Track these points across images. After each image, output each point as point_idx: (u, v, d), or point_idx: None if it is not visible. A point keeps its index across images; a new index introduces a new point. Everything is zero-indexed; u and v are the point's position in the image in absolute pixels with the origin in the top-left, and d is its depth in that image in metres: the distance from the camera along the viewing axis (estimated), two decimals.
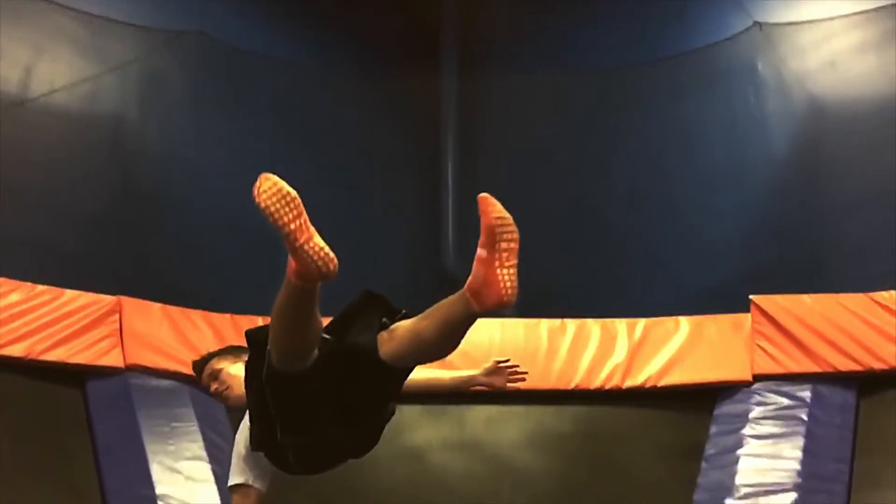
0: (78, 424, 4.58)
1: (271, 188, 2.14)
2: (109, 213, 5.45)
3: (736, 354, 4.94)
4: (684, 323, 5.08)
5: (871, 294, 4.79)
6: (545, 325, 5.15)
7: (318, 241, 2.18)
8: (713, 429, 4.76)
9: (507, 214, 2.29)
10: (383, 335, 2.33)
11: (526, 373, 3.24)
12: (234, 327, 5.06)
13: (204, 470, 4.51)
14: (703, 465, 4.62)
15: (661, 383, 4.95)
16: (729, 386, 4.88)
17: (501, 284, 2.24)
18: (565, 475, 4.78)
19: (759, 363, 4.87)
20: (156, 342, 4.87)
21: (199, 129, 5.77)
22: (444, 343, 2.33)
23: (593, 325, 5.13)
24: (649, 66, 6.02)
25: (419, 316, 2.33)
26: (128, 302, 4.90)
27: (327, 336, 2.38)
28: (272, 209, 2.12)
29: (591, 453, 4.85)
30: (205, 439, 4.64)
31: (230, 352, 3.17)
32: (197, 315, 5.05)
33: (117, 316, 4.84)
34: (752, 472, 4.45)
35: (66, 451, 4.47)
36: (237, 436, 3.03)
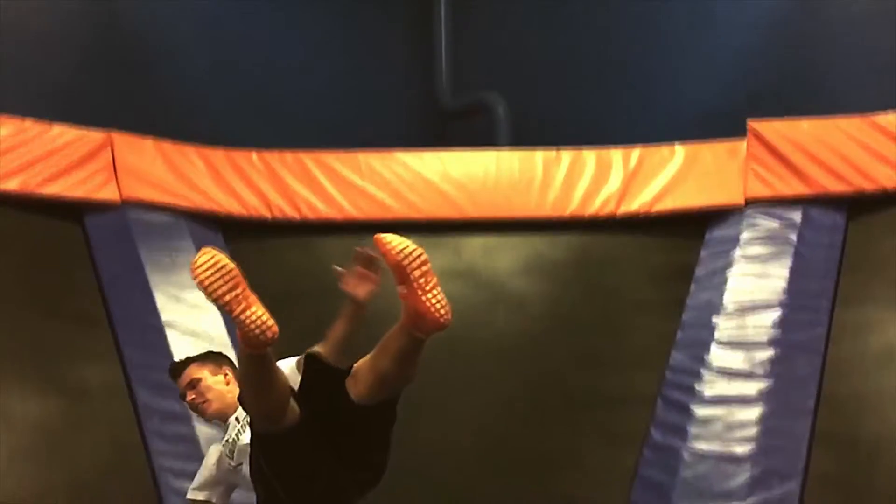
0: (80, 258, 4.75)
1: (207, 262, 2.23)
2: (97, 47, 5.44)
3: (730, 180, 5.08)
4: (679, 150, 5.19)
5: (868, 116, 4.88)
6: (540, 155, 5.26)
7: (256, 310, 2.26)
8: (704, 252, 4.96)
9: (406, 243, 2.32)
10: (349, 381, 2.44)
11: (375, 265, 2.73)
12: (228, 162, 5.16)
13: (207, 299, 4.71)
14: (693, 286, 4.85)
15: (655, 209, 5.12)
16: (721, 211, 5.06)
17: (433, 311, 2.29)
18: (559, 300, 5.02)
19: (751, 187, 5.02)
20: (150, 177, 4.97)
21: None
22: (404, 370, 2.43)
23: (588, 155, 5.24)
24: None
25: (372, 354, 2.44)
26: (119, 137, 4.96)
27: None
28: (206, 283, 2.22)
29: (584, 279, 5.07)
30: None
31: (211, 359, 3.15)
32: (190, 150, 5.13)
33: (109, 151, 4.91)
34: (739, 292, 4.69)
35: (71, 284, 4.66)
36: (210, 448, 3.17)
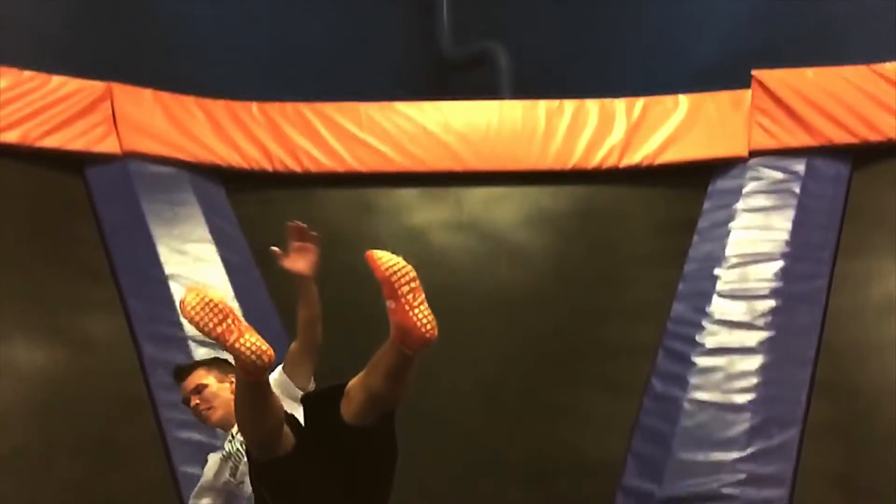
0: (82, 211, 4.77)
1: (193, 300, 2.34)
2: None
3: (734, 131, 5.07)
4: (683, 101, 5.18)
5: (874, 66, 4.85)
6: (543, 106, 5.25)
7: (249, 336, 2.35)
8: (707, 204, 4.98)
9: (395, 260, 2.41)
10: (343, 402, 2.51)
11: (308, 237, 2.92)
12: (228, 114, 5.16)
13: (211, 252, 4.75)
14: (695, 238, 4.88)
15: (658, 161, 5.13)
16: (725, 162, 5.06)
17: (419, 326, 2.38)
18: (561, 253, 5.05)
19: (756, 139, 5.02)
20: (150, 128, 4.98)
21: None
22: (395, 387, 2.49)
23: (591, 105, 5.22)
24: None
25: (363, 373, 2.50)
26: (118, 88, 4.96)
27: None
28: (197, 319, 2.33)
29: (586, 231, 5.10)
30: (208, 223, 4.85)
31: (217, 365, 3.14)
32: (190, 101, 5.12)
33: (108, 103, 4.91)
34: (742, 243, 4.72)
35: (74, 236, 4.69)
36: (210, 457, 3.17)
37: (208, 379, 3.11)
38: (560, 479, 4.13)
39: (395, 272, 2.39)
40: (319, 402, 2.60)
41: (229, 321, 2.35)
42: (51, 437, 3.95)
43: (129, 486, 3.90)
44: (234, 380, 3.04)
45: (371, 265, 2.42)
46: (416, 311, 2.38)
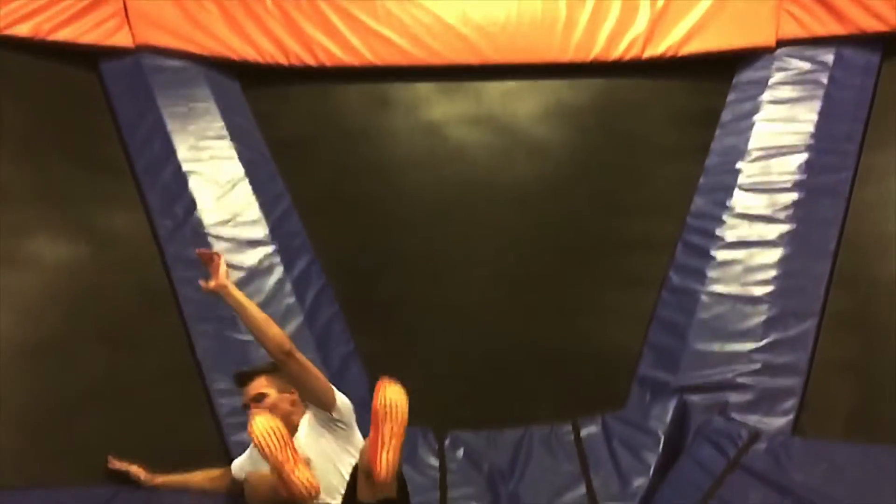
0: (98, 106, 4.80)
1: (263, 426, 2.81)
2: None
3: (761, 20, 4.98)
4: None
5: None
6: None
7: (304, 470, 2.81)
8: (731, 96, 4.93)
9: (397, 400, 2.63)
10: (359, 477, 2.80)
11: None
12: (242, 7, 5.11)
13: (227, 148, 4.79)
14: (718, 131, 4.85)
15: (682, 52, 5.06)
16: (751, 53, 4.99)
17: (378, 466, 2.61)
18: (580, 146, 5.04)
19: (784, 28, 4.93)
20: (163, 21, 4.96)
21: None
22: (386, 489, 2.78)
23: None
24: None
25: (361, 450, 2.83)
26: None
27: None
28: (264, 443, 2.77)
29: (606, 124, 5.07)
30: (224, 118, 4.87)
31: (278, 375, 3.19)
32: None
33: None
34: (765, 136, 4.69)
35: (91, 131, 4.74)
36: (248, 456, 3.37)
37: (269, 389, 3.23)
38: (576, 368, 4.23)
39: (387, 411, 2.63)
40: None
41: (289, 450, 2.81)
42: (77, 327, 4.08)
43: (153, 374, 4.04)
44: (294, 391, 3.22)
45: (376, 389, 2.68)
46: (384, 452, 2.61)
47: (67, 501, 3.40)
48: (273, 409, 3.15)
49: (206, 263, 3.21)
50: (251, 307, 3.10)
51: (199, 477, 3.49)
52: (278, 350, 3.03)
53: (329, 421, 3.10)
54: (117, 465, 3.51)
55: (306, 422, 3.18)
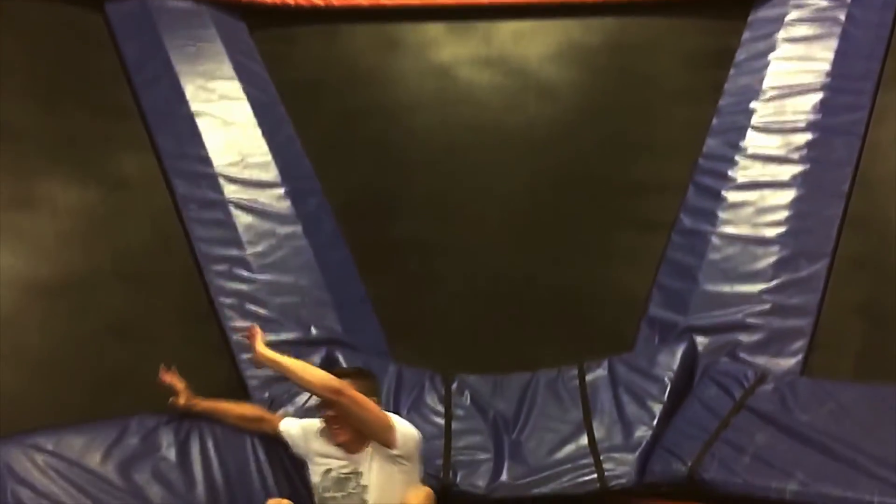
0: (105, 49, 4.80)
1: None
2: None
3: None
4: None
5: None
6: None
7: None
8: (746, 35, 4.88)
9: None
10: None
11: None
12: None
13: (236, 89, 4.79)
14: (732, 71, 4.81)
15: None
16: None
17: None
18: (592, 87, 5.01)
19: None
20: None
21: None
22: None
23: None
24: None
25: None
26: None
27: None
28: None
29: (618, 64, 5.03)
30: (232, 59, 4.85)
31: (361, 380, 3.19)
32: None
33: None
34: (780, 75, 4.65)
35: (99, 74, 4.75)
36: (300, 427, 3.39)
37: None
38: (585, 309, 4.25)
39: None
40: None
41: None
42: (92, 266, 4.14)
43: (168, 312, 4.11)
44: (376, 402, 3.19)
45: None
46: None
47: (100, 431, 3.43)
48: (347, 418, 3.11)
49: (250, 339, 3.23)
50: (291, 363, 3.14)
51: (234, 415, 3.54)
52: (328, 392, 3.06)
53: (391, 458, 3.12)
54: (168, 378, 3.55)
55: (375, 456, 3.14)
